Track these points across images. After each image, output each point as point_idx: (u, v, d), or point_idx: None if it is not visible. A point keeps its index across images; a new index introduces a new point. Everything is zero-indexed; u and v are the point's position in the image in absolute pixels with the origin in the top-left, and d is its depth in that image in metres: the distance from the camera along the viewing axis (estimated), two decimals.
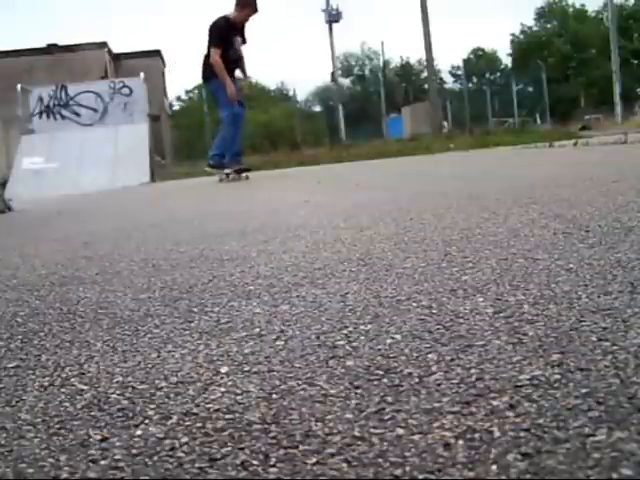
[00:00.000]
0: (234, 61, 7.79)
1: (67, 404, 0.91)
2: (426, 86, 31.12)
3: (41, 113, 15.12)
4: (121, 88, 15.28)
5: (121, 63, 30.81)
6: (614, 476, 0.58)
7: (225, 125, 7.82)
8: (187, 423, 0.80)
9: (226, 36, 7.69)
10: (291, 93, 35.92)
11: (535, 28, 51.95)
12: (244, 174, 7.79)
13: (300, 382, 0.90)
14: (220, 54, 7.56)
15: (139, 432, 0.79)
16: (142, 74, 15.58)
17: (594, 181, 3.17)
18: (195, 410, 0.84)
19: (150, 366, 1.04)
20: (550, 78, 29.38)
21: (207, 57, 7.67)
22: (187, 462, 0.70)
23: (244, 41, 7.98)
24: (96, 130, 14.23)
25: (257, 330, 1.17)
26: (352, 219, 2.61)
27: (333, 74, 32.27)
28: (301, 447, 0.71)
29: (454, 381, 0.84)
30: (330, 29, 32.52)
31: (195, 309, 1.38)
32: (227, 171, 7.67)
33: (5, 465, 0.73)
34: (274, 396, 0.86)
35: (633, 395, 0.74)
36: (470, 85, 35.63)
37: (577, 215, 2.07)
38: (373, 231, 2.21)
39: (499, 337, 1.00)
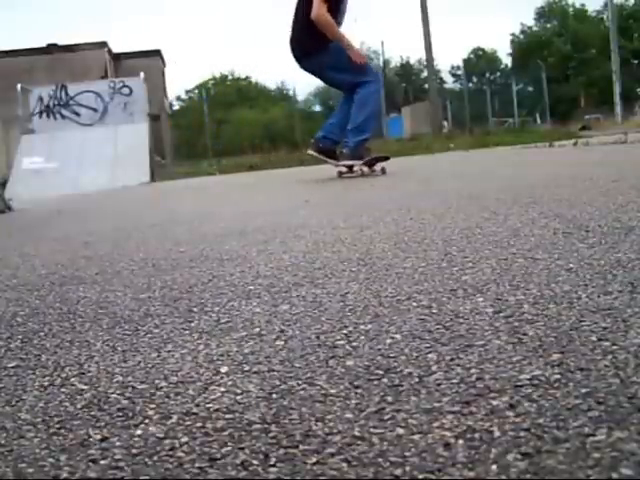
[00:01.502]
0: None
1: (67, 404, 0.91)
2: (426, 86, 31.13)
3: (41, 113, 15.12)
4: (121, 88, 15.29)
5: (121, 63, 30.84)
6: (614, 476, 0.58)
7: (372, 93, 5.29)
8: (187, 423, 0.80)
9: None
10: (291, 93, 35.95)
11: (535, 28, 52.00)
12: (378, 166, 5.39)
13: (300, 382, 0.90)
14: (327, 10, 5.10)
15: (139, 432, 0.79)
16: (142, 74, 15.59)
17: (594, 181, 3.17)
18: (195, 410, 0.84)
19: (150, 366, 1.04)
20: (550, 78, 29.42)
21: (303, 19, 5.21)
22: (187, 462, 0.70)
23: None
24: (96, 130, 14.24)
25: (257, 330, 1.17)
26: (352, 219, 2.61)
27: None
28: (301, 447, 0.71)
29: (454, 381, 0.84)
30: None
31: (195, 309, 1.38)
32: (350, 162, 5.34)
33: (5, 465, 0.73)
34: (274, 396, 0.86)
35: (633, 395, 0.74)
36: (470, 85, 35.66)
37: (577, 215, 2.07)
38: (373, 231, 2.21)
39: (499, 337, 1.00)
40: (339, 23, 5.32)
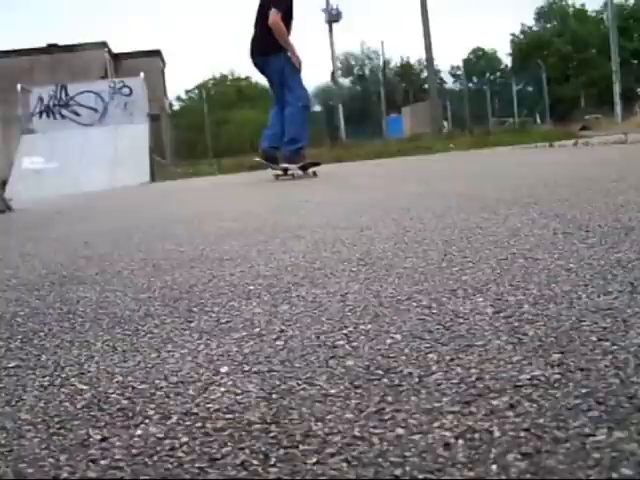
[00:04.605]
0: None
1: (67, 404, 0.91)
2: (426, 86, 31.13)
3: (41, 113, 15.13)
4: (121, 88, 15.29)
5: (121, 63, 30.82)
6: (614, 476, 0.58)
7: (298, 110, 6.23)
8: (187, 423, 0.80)
9: (290, 3, 6.35)
10: None
11: (535, 28, 51.96)
12: (311, 170, 6.30)
13: (300, 382, 0.90)
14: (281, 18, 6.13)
15: (139, 432, 0.79)
16: (142, 74, 15.60)
17: (594, 181, 3.17)
18: (195, 410, 0.84)
19: (150, 366, 1.04)
20: (550, 78, 29.44)
21: (263, 26, 6.19)
22: (187, 462, 0.70)
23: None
24: (96, 130, 14.24)
25: (257, 330, 1.17)
26: (352, 219, 2.60)
27: (333, 74, 32.26)
28: (301, 447, 0.71)
29: (454, 381, 0.84)
30: (330, 29, 32.50)
31: (195, 309, 1.38)
32: (286, 166, 6.21)
33: (5, 465, 0.73)
34: (274, 396, 0.86)
35: (633, 395, 0.74)
36: (470, 85, 35.66)
37: (577, 215, 2.07)
38: (373, 231, 2.21)
39: (499, 337, 1.00)
40: (289, 27, 6.30)
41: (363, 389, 0.85)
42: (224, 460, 0.70)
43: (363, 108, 35.81)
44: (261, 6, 6.30)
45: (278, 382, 0.90)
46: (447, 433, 0.70)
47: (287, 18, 6.25)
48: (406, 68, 54.15)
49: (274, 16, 6.09)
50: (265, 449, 0.71)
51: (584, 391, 0.77)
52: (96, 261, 2.16)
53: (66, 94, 15.24)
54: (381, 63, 39.87)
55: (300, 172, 6.21)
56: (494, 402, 0.76)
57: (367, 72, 53.55)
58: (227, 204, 4.51)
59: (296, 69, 6.25)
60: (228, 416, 0.81)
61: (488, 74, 47.48)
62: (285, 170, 6.27)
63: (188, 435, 0.76)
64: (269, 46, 6.18)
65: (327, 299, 1.34)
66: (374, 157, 11.38)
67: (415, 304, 1.23)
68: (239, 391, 0.89)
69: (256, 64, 6.45)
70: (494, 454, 0.65)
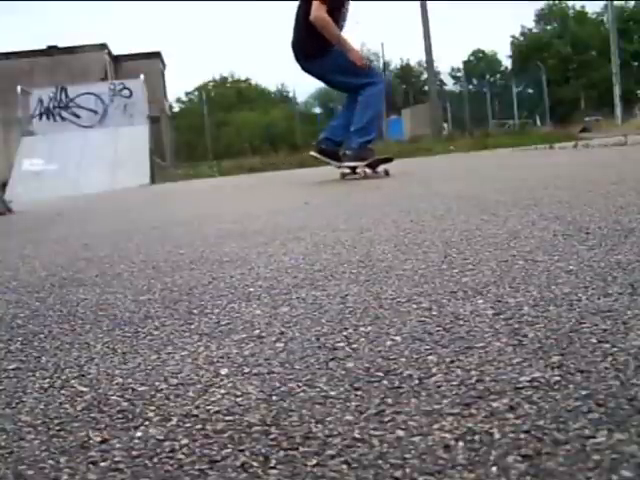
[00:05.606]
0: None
1: (67, 406, 0.91)
2: (426, 88, 31.13)
3: (41, 115, 15.16)
4: (121, 90, 15.33)
5: (121, 65, 30.87)
6: (614, 478, 0.58)
7: (379, 91, 5.31)
8: (187, 425, 0.80)
9: None
10: (291, 95, 36.03)
11: (535, 30, 52.03)
12: (381, 167, 5.39)
13: (300, 384, 0.90)
14: (327, 12, 5.06)
15: (139, 434, 0.79)
16: (142, 76, 15.63)
17: (594, 183, 3.17)
18: (195, 412, 0.84)
19: (150, 368, 1.04)
20: (550, 80, 29.50)
21: (304, 24, 5.17)
22: (187, 464, 0.70)
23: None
24: (96, 132, 14.27)
25: (257, 332, 1.17)
26: (352, 221, 2.61)
27: None
28: (301, 449, 0.71)
29: (454, 383, 0.84)
30: None
31: (195, 311, 1.38)
32: (353, 164, 5.32)
33: (5, 467, 0.73)
34: (274, 398, 0.86)
35: (633, 397, 0.74)
36: (470, 87, 35.73)
37: (577, 217, 2.07)
38: (373, 233, 2.21)
39: (499, 339, 1.00)
40: (341, 27, 5.31)
41: (363, 391, 0.85)
42: (224, 462, 0.70)
43: None
44: (303, 1, 5.27)
45: (278, 384, 0.90)
46: (447, 435, 0.70)
47: (336, 12, 5.18)
48: (406, 70, 54.22)
49: (317, 9, 5.01)
50: (265, 451, 0.71)
51: (584, 393, 0.77)
52: (96, 263, 2.16)
53: (66, 96, 15.26)
54: (381, 65, 39.87)
55: (369, 171, 5.32)
56: (494, 404, 0.77)
57: None
58: (227, 206, 4.51)
59: (354, 60, 5.19)
60: (228, 418, 0.81)
61: (488, 76, 47.53)
62: (354, 168, 5.37)
63: (188, 437, 0.76)
64: (315, 47, 5.17)
65: (327, 301, 1.34)
66: None
67: (415, 306, 1.23)
68: (239, 393, 0.89)
69: (308, 70, 5.45)
70: (494, 456, 0.65)
